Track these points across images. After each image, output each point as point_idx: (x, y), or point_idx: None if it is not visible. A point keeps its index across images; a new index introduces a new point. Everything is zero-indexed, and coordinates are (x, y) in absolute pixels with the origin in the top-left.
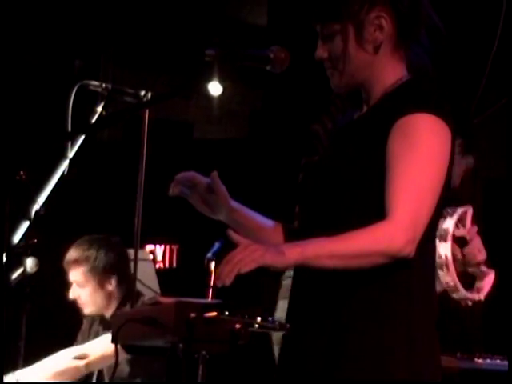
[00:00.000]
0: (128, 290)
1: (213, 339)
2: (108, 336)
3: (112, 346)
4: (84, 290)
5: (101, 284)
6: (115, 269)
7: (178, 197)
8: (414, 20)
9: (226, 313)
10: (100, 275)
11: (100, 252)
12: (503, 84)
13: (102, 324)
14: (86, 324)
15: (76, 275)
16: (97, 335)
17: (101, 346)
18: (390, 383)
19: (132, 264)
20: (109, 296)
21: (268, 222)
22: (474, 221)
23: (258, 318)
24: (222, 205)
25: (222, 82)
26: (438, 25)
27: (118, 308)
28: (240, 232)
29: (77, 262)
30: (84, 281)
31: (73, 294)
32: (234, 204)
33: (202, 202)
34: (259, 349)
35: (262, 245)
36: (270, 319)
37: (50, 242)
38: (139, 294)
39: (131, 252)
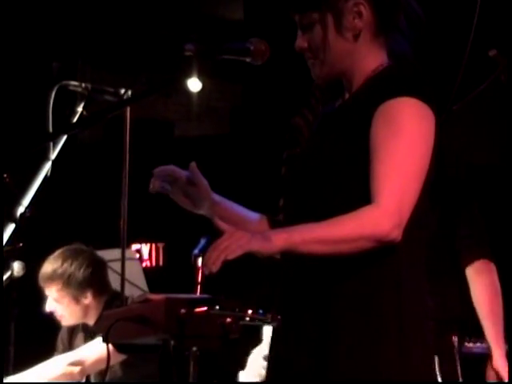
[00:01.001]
0: (109, 298)
1: (204, 335)
2: (100, 340)
3: (106, 352)
4: (60, 305)
5: (76, 299)
6: (90, 283)
7: (159, 194)
8: (392, 6)
9: (217, 307)
10: (75, 291)
11: (73, 267)
12: (481, 70)
13: (84, 331)
14: (64, 331)
15: (51, 291)
16: (81, 341)
17: (95, 351)
18: (383, 378)
19: (118, 264)
20: (86, 308)
21: (252, 215)
22: None
23: (249, 311)
24: (204, 197)
25: (201, 78)
26: (417, 11)
27: (100, 316)
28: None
29: (50, 278)
30: (59, 297)
31: (49, 307)
32: (216, 197)
33: (183, 195)
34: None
35: (248, 231)
36: (260, 312)
37: (35, 244)
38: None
39: (117, 252)
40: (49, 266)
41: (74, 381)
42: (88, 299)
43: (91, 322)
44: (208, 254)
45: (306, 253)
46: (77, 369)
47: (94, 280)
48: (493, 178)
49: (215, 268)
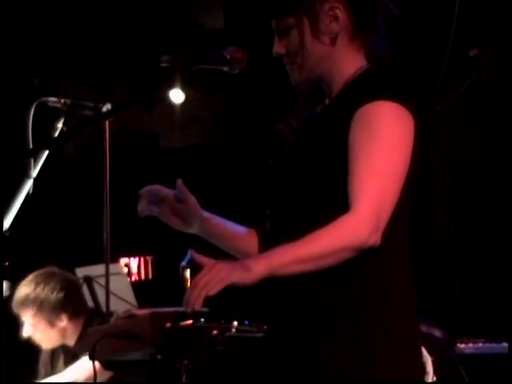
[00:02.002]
0: (88, 316)
1: (191, 347)
2: (86, 359)
3: (95, 369)
4: (36, 330)
5: (51, 323)
6: (64, 306)
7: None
8: (369, 9)
9: (202, 320)
10: (49, 315)
11: (46, 291)
12: (463, 70)
13: (65, 352)
14: (45, 355)
15: (26, 317)
16: (63, 363)
17: (83, 371)
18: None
19: (104, 280)
20: (63, 331)
21: (241, 229)
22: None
23: (235, 323)
24: (193, 214)
25: (183, 88)
26: (394, 12)
27: (80, 335)
28: (214, 242)
29: (24, 304)
30: (34, 322)
31: (25, 332)
32: (206, 214)
33: (172, 215)
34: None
35: (227, 263)
36: (246, 322)
37: (20, 264)
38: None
39: (103, 267)
40: (21, 292)
41: None
42: (64, 322)
43: (71, 342)
44: (188, 291)
45: (288, 275)
46: None
47: (67, 302)
48: (480, 173)
49: (198, 305)
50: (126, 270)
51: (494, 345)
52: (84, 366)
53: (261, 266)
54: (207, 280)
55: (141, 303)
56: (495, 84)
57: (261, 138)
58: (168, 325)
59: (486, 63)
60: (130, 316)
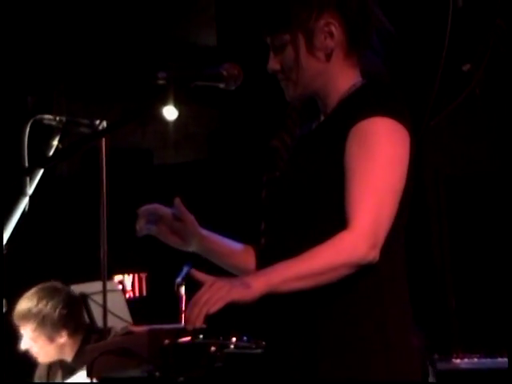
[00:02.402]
0: (86, 334)
1: (189, 364)
2: (81, 374)
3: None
4: (35, 344)
5: (51, 338)
6: (65, 323)
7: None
8: (363, 25)
9: (201, 336)
10: (49, 331)
11: (49, 308)
12: (456, 85)
13: (62, 367)
14: (42, 368)
15: (26, 330)
16: (60, 378)
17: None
18: None
19: (101, 297)
20: (61, 347)
21: (238, 246)
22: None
23: (233, 339)
24: (192, 233)
25: (176, 105)
26: (388, 28)
27: (78, 351)
28: (212, 259)
29: (25, 317)
30: (34, 336)
31: (24, 345)
32: (204, 231)
33: (171, 233)
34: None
35: (226, 280)
36: (245, 338)
37: (16, 281)
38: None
39: (98, 284)
40: (24, 305)
41: None
42: (63, 338)
43: (68, 358)
44: (189, 309)
45: (288, 291)
46: None
47: (69, 320)
48: (474, 188)
49: (199, 323)
50: (120, 286)
51: (489, 360)
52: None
53: (260, 283)
54: (207, 298)
55: (136, 320)
56: (488, 99)
57: (254, 155)
58: (166, 341)
59: (479, 78)
60: (127, 333)
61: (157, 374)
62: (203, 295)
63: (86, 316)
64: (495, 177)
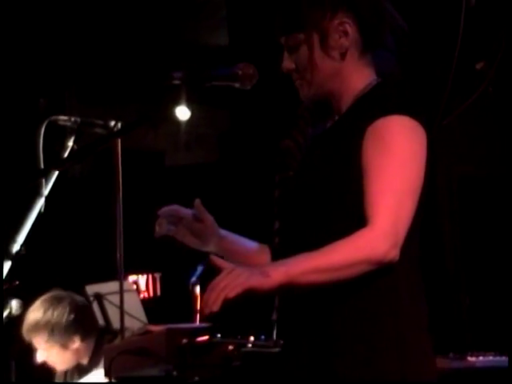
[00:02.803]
0: (99, 335)
1: (206, 363)
2: (96, 372)
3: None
4: (50, 354)
5: (64, 346)
6: (75, 328)
7: (164, 236)
8: (377, 23)
9: (218, 335)
10: (61, 338)
11: (56, 316)
12: (469, 83)
13: (79, 370)
14: (59, 375)
15: (38, 343)
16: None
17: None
18: None
19: (117, 297)
20: (76, 352)
21: (254, 245)
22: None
23: (251, 338)
24: (211, 233)
25: (189, 105)
26: (402, 26)
27: (93, 354)
28: (230, 259)
29: (35, 330)
30: (48, 347)
31: (40, 357)
32: (223, 232)
33: (190, 234)
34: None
35: (245, 268)
36: (262, 337)
37: (32, 282)
38: (114, 331)
39: (113, 284)
40: (31, 318)
41: None
42: (76, 343)
43: (85, 361)
44: (207, 293)
45: (306, 284)
46: None
47: (78, 324)
48: (487, 188)
49: (216, 308)
50: (135, 287)
51: (504, 358)
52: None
53: (279, 273)
54: (226, 283)
55: (150, 320)
56: (502, 97)
57: (265, 155)
58: (184, 341)
59: (492, 77)
60: (145, 332)
61: (174, 373)
62: (222, 281)
63: (99, 317)
64: (508, 176)
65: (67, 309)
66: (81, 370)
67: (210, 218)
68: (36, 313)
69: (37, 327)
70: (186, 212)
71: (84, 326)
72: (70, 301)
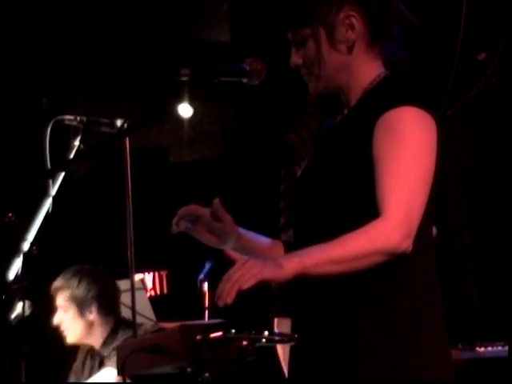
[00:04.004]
0: (116, 322)
1: (221, 359)
2: (107, 369)
3: (114, 379)
4: (66, 315)
5: (81, 312)
6: (96, 299)
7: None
8: (384, 16)
9: (233, 331)
10: (80, 303)
11: (82, 282)
12: (472, 73)
13: (93, 359)
14: (78, 363)
15: (59, 300)
16: (91, 370)
17: (107, 380)
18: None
19: (126, 295)
20: (90, 325)
21: (268, 241)
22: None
23: (265, 333)
24: (230, 232)
25: (192, 103)
26: (409, 18)
27: (107, 338)
28: (246, 254)
29: (60, 288)
30: (66, 306)
31: (56, 319)
32: (240, 230)
33: (207, 232)
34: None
35: (259, 260)
36: (276, 332)
37: (42, 282)
38: (130, 324)
39: (122, 283)
40: (61, 278)
41: None
42: (93, 314)
43: (96, 343)
44: (221, 285)
45: (319, 275)
46: None
47: (100, 295)
48: (491, 179)
49: (230, 299)
50: (142, 285)
51: None
52: (106, 377)
53: (293, 264)
54: (240, 274)
55: (158, 318)
56: (505, 87)
57: (270, 151)
58: (198, 337)
59: (495, 67)
60: (158, 329)
61: (189, 369)
62: (236, 272)
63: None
64: None
65: (95, 281)
66: (94, 356)
67: (228, 217)
68: (66, 275)
69: (62, 285)
70: (204, 211)
71: (105, 300)
72: (101, 276)
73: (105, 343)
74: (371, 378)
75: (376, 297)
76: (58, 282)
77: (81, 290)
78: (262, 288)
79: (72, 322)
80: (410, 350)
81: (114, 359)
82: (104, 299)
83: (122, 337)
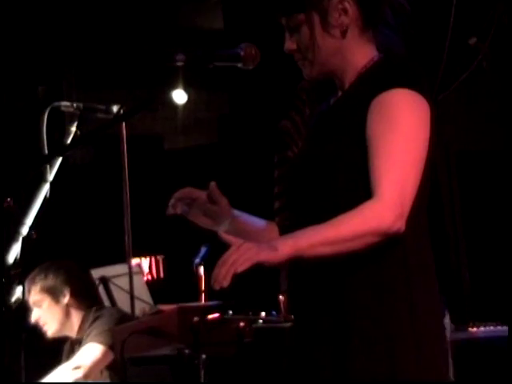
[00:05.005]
0: (90, 303)
1: (219, 341)
2: (91, 344)
3: (99, 352)
4: (42, 308)
5: (55, 299)
6: (66, 282)
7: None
8: (377, 0)
9: (230, 312)
10: (52, 291)
11: (48, 273)
12: (463, 58)
13: (75, 348)
14: (66, 351)
15: (32, 297)
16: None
17: (89, 355)
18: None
19: (123, 279)
20: (67, 310)
21: (263, 223)
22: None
23: (262, 313)
24: (226, 214)
25: (186, 89)
26: (401, 3)
27: (83, 320)
28: (241, 236)
29: (29, 286)
30: (40, 299)
31: (34, 316)
32: (236, 212)
33: (202, 215)
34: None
35: (254, 242)
36: (273, 313)
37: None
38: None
39: (119, 267)
40: (28, 280)
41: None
42: (67, 297)
43: (75, 327)
44: (217, 269)
45: (314, 256)
46: (80, 374)
47: (68, 279)
48: (485, 162)
49: (226, 283)
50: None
51: (505, 327)
52: (90, 350)
53: (287, 246)
54: (236, 258)
55: (155, 302)
56: (496, 71)
57: (264, 137)
58: (195, 319)
59: (486, 51)
60: (157, 312)
61: (187, 351)
62: (231, 255)
63: (105, 299)
64: (505, 152)
65: (62, 269)
66: (74, 344)
67: (224, 200)
68: (36, 270)
69: (34, 278)
70: (200, 194)
71: (75, 284)
72: (67, 265)
73: (82, 325)
74: (367, 350)
75: (371, 275)
76: (27, 284)
77: (49, 280)
78: (260, 270)
79: (49, 312)
80: (403, 321)
81: (95, 337)
82: (74, 282)
83: (96, 315)
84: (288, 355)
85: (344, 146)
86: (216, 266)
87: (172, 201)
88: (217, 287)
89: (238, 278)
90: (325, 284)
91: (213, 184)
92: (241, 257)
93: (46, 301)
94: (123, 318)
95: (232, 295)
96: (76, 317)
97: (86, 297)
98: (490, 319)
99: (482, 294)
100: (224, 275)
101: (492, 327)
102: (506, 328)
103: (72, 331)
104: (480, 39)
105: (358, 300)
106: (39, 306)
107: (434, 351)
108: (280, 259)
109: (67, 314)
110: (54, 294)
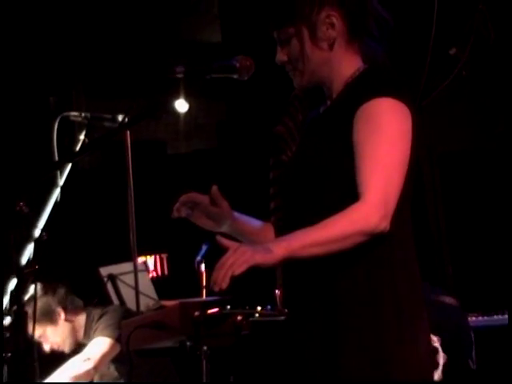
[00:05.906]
0: (84, 300)
1: (218, 333)
2: (100, 338)
3: (107, 345)
4: (48, 336)
5: (53, 322)
6: (55, 304)
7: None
8: (361, 14)
9: (228, 307)
10: (49, 318)
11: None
12: (444, 67)
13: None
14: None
15: (36, 333)
16: None
17: (97, 348)
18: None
19: (130, 277)
20: (69, 322)
21: (260, 224)
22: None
23: (258, 308)
24: (226, 216)
25: (187, 98)
26: (385, 16)
27: (86, 322)
28: (239, 237)
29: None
30: (42, 332)
31: (46, 347)
32: (236, 214)
33: (205, 217)
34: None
35: (249, 245)
36: (268, 307)
37: (50, 267)
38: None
39: (126, 265)
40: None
41: (90, 378)
42: (62, 314)
43: (82, 332)
44: (215, 272)
45: (306, 257)
46: (90, 365)
47: (57, 297)
48: (466, 163)
49: (225, 285)
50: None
51: (487, 318)
52: (99, 344)
53: (281, 248)
54: (233, 261)
55: (160, 297)
56: (474, 79)
57: (259, 141)
58: (196, 313)
59: (465, 61)
60: (160, 307)
61: (188, 343)
62: (229, 259)
63: (114, 296)
64: (484, 152)
65: (47, 292)
66: (79, 348)
67: (225, 203)
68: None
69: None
70: (203, 198)
71: (62, 298)
72: (45, 290)
73: (87, 323)
74: (357, 343)
75: (360, 272)
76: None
77: (40, 311)
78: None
79: (56, 335)
80: (389, 308)
81: (102, 331)
82: (60, 298)
83: (95, 312)
84: (282, 347)
85: (333, 152)
86: (215, 270)
87: (177, 205)
88: (216, 289)
89: (236, 279)
90: (316, 280)
91: (214, 187)
92: (237, 260)
93: (48, 329)
94: (127, 312)
95: (230, 291)
96: (79, 320)
97: (77, 301)
98: (472, 310)
99: (464, 288)
100: (222, 278)
101: (474, 317)
102: (486, 318)
103: (81, 332)
104: (460, 50)
105: (347, 294)
106: (45, 337)
107: (419, 342)
108: (275, 261)
109: (71, 325)
110: (50, 319)
